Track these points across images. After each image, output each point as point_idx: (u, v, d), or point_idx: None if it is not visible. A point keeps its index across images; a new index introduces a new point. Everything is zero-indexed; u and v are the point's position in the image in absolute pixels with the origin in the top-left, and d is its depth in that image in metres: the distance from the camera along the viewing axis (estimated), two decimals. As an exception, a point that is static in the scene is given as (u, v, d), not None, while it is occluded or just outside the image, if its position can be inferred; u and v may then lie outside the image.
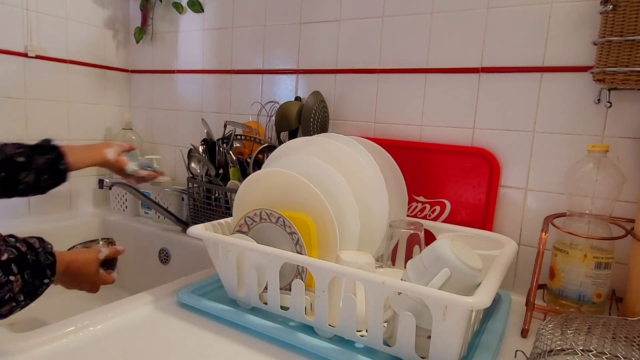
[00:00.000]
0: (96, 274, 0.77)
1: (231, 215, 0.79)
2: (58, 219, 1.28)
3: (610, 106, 0.77)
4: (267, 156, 0.92)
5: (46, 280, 0.63)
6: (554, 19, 0.82)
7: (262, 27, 1.19)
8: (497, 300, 0.77)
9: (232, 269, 0.70)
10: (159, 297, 0.74)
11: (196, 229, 0.71)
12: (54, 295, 1.12)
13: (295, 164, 0.74)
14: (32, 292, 0.61)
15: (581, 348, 0.47)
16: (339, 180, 0.72)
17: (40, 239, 0.65)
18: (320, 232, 0.68)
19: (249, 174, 0.75)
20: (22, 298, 0.59)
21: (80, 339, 0.60)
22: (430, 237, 0.83)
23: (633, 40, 0.70)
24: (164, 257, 1.19)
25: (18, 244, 0.60)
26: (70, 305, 1.13)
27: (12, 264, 0.58)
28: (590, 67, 0.77)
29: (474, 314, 0.57)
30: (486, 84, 0.89)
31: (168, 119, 1.43)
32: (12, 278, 0.57)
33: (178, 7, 1.34)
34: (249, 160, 1.07)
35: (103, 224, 1.34)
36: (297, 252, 0.66)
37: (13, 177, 0.76)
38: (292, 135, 1.07)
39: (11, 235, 0.61)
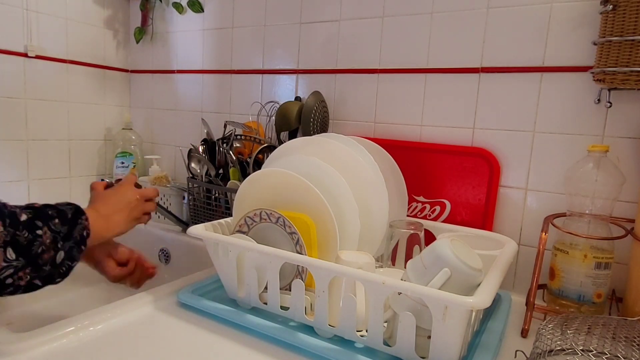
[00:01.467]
0: (135, 192, 0.76)
1: (231, 215, 0.79)
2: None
3: (610, 106, 0.77)
4: (267, 156, 0.92)
5: (80, 221, 0.63)
6: (554, 19, 0.82)
7: (262, 27, 1.19)
8: (497, 300, 0.77)
9: (232, 269, 0.70)
10: (159, 297, 0.74)
11: (196, 229, 0.71)
12: (55, 294, 1.12)
13: (295, 164, 0.74)
14: (68, 235, 0.61)
15: (581, 348, 0.47)
16: (339, 180, 0.72)
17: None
18: (320, 232, 0.68)
19: (249, 174, 0.75)
20: (60, 245, 0.59)
21: (80, 339, 0.60)
22: (430, 237, 0.83)
23: (633, 40, 0.70)
24: (164, 257, 1.19)
25: (31, 205, 0.61)
26: (71, 305, 1.13)
27: (35, 221, 0.58)
28: (590, 67, 0.77)
29: (474, 314, 0.57)
30: (486, 84, 0.89)
31: (168, 119, 1.43)
32: (39, 232, 0.57)
33: (178, 7, 1.34)
34: (249, 160, 1.07)
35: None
36: (297, 252, 0.66)
37: None
38: (292, 135, 1.07)
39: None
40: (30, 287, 0.59)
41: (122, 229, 0.75)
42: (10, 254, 0.55)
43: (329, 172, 0.72)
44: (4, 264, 0.54)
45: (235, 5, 1.23)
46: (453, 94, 0.93)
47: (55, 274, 0.60)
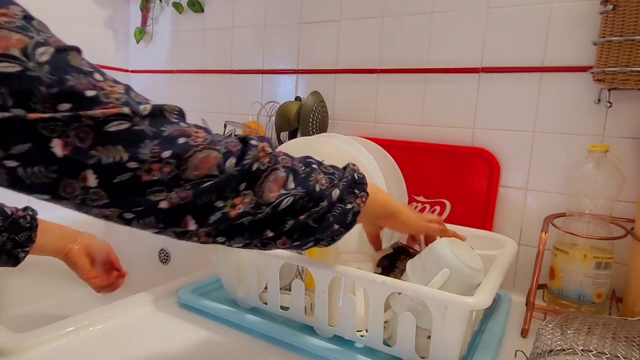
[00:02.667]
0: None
1: (231, 215, 0.79)
2: (59, 217, 1.28)
3: (610, 106, 0.77)
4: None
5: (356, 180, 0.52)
6: (554, 19, 0.82)
7: (262, 27, 1.19)
8: (497, 300, 0.77)
9: (232, 269, 0.70)
10: (159, 297, 0.74)
11: (196, 229, 0.71)
12: (55, 295, 1.12)
13: (295, 164, 0.74)
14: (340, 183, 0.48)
15: (581, 348, 0.47)
16: (339, 180, 0.71)
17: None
18: (320, 232, 0.68)
19: (249, 174, 0.75)
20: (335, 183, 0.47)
21: (80, 339, 0.60)
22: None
23: (633, 40, 0.70)
24: (164, 257, 1.19)
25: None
26: (71, 305, 1.13)
27: (307, 159, 0.48)
28: (590, 67, 0.77)
29: (474, 314, 0.57)
30: (486, 84, 0.89)
31: (168, 119, 1.43)
32: (314, 166, 0.46)
33: (178, 7, 1.34)
34: (249, 160, 1.06)
35: (104, 224, 1.34)
36: (297, 252, 0.66)
37: None
38: (292, 135, 1.07)
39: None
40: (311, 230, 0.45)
41: (410, 221, 0.58)
42: (290, 181, 0.42)
43: (329, 172, 0.72)
44: (282, 192, 0.41)
45: (235, 5, 1.23)
46: (453, 94, 0.93)
47: (332, 229, 0.47)
